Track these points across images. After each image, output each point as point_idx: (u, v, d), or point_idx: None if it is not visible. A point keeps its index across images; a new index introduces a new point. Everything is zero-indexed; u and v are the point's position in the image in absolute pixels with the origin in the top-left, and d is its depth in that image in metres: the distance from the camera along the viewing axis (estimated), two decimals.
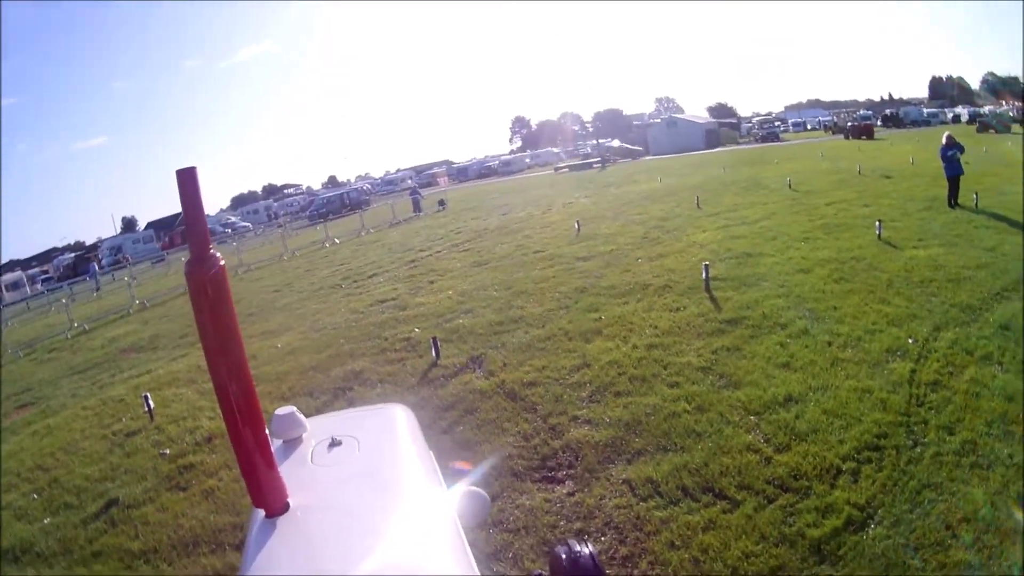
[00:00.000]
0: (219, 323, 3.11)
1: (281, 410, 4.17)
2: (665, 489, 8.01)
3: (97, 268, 66.15)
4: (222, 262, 3.12)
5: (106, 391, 17.65)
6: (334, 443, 4.04)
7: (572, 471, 8.84)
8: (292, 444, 4.15)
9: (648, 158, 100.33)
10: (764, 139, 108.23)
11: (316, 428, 4.34)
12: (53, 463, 12.96)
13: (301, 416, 4.21)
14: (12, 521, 10.78)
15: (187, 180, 3.07)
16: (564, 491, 8.43)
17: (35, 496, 11.58)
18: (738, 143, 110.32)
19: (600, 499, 8.06)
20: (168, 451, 12.17)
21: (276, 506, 3.30)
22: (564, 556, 4.80)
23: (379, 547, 3.00)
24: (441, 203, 57.15)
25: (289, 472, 3.52)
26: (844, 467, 7.99)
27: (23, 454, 13.94)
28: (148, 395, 14.53)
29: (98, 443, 13.50)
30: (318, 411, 8.93)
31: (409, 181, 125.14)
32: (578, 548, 4.83)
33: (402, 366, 14.22)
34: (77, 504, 10.86)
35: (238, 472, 10.11)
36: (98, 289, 55.29)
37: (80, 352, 25.50)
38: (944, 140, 25.30)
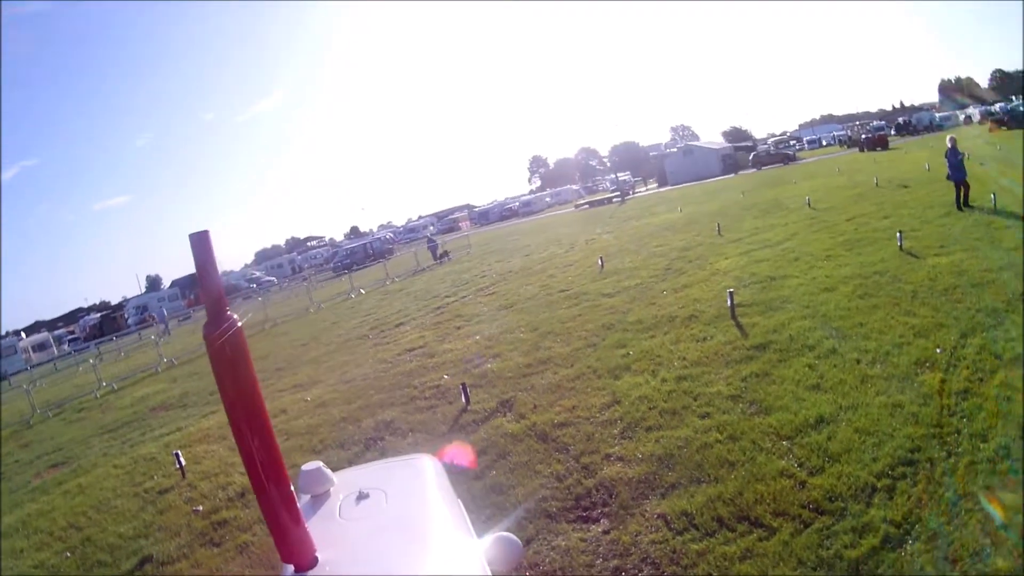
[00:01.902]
0: (239, 382, 3.11)
1: (308, 465, 4.16)
2: (700, 521, 7.98)
3: (165, 312, 67.20)
4: (239, 322, 3.10)
5: (137, 449, 17.78)
6: (361, 496, 4.02)
7: (606, 509, 8.81)
8: (320, 499, 4.13)
9: (666, 188, 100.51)
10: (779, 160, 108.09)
11: (343, 482, 4.32)
12: (86, 522, 13.04)
13: (327, 471, 4.21)
14: None
15: (200, 243, 3.07)
16: (599, 529, 8.40)
17: (68, 555, 11.69)
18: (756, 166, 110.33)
19: (636, 535, 8.04)
20: (201, 507, 12.24)
21: (305, 561, 3.28)
22: None
23: None
24: (444, 255, 55.97)
25: (317, 526, 3.53)
26: (879, 484, 7.93)
27: (55, 513, 14.04)
28: (179, 452, 14.67)
29: (130, 501, 13.59)
30: (350, 462, 8.93)
31: (430, 228, 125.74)
32: None
33: (432, 414, 14.24)
34: (111, 562, 10.96)
35: None
36: (167, 332, 56.15)
37: (109, 411, 25.70)
38: (948, 143, 25.39)
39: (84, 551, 11.63)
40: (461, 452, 11.56)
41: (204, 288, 3.08)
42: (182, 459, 14.41)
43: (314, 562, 3.29)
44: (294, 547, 3.24)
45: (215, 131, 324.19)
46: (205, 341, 3.03)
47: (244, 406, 3.13)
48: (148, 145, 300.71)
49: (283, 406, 17.69)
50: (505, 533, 4.42)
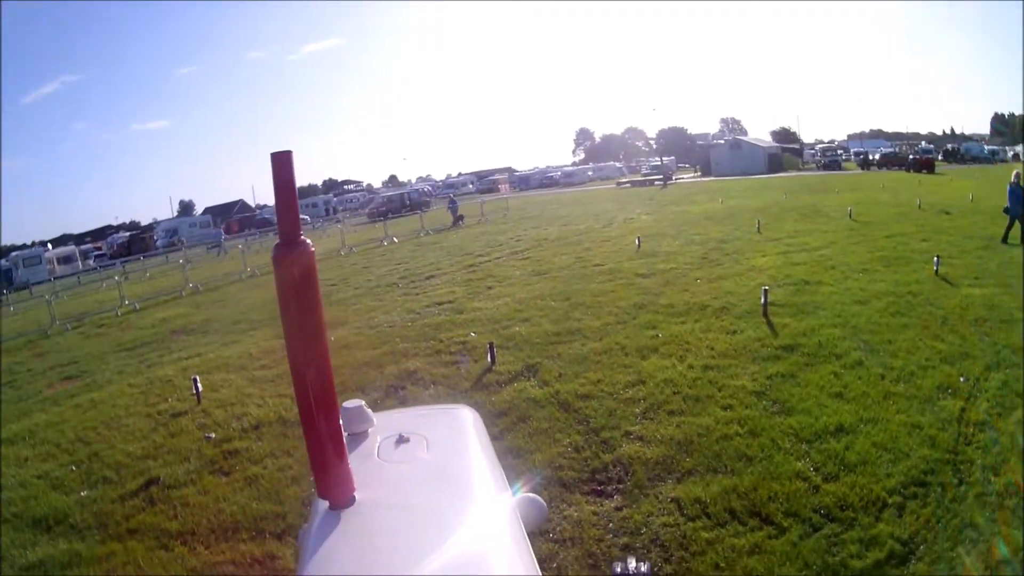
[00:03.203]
0: (303, 309, 3.15)
1: (349, 403, 4.14)
2: (713, 510, 8.10)
3: (224, 234, 67.63)
4: (312, 248, 3.16)
5: (154, 370, 18.01)
6: (401, 440, 4.03)
7: (621, 486, 8.94)
8: (358, 438, 4.14)
9: (709, 178, 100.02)
10: (826, 167, 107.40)
11: (383, 423, 4.34)
12: (94, 437, 13.24)
13: (368, 410, 4.23)
14: (47, 490, 11.01)
15: (282, 164, 3.13)
16: (612, 505, 8.53)
17: (73, 468, 11.83)
18: (800, 169, 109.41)
19: (648, 516, 8.16)
20: (213, 435, 12.38)
21: (342, 499, 3.31)
22: (620, 571, 4.88)
23: (445, 546, 2.95)
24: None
25: (355, 466, 3.47)
26: (890, 500, 8.00)
27: (64, 425, 14.23)
28: (197, 377, 14.75)
29: (142, 421, 13.78)
30: (378, 410, 9.11)
31: (470, 186, 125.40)
32: (636, 566, 4.91)
33: (456, 369, 14.42)
34: (116, 479, 11.09)
35: (283, 462, 10.39)
36: (223, 252, 57.82)
37: (129, 330, 26.01)
38: (1013, 178, 25.19)
39: (90, 466, 11.81)
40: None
41: (281, 209, 3.14)
42: (199, 384, 14.52)
43: (351, 501, 3.33)
44: (333, 484, 3.30)
45: (263, 68, 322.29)
46: (274, 262, 3.11)
47: (305, 333, 3.18)
48: (192, 74, 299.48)
49: None
50: (531, 494, 4.50)
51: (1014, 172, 26.00)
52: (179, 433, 12.79)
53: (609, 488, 8.95)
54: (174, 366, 18.10)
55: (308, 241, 3.15)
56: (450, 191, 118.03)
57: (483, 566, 2.92)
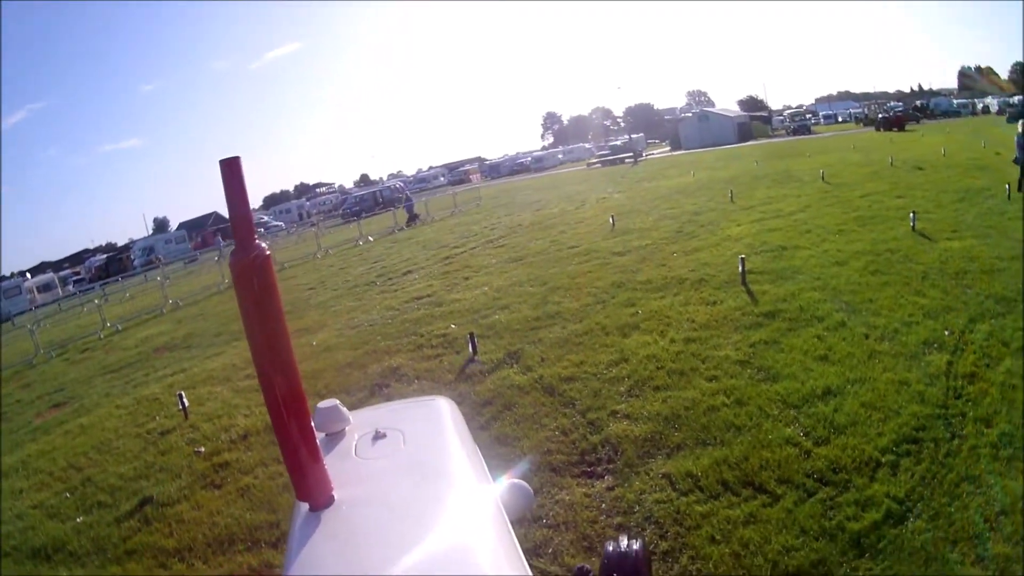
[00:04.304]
0: (264, 313, 3.13)
1: (324, 403, 4.17)
2: (705, 483, 8.03)
3: (222, 240, 67.98)
4: (267, 251, 3.14)
5: (140, 390, 17.84)
6: (378, 436, 4.02)
7: (611, 465, 8.86)
8: (335, 437, 4.15)
9: (679, 152, 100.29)
10: (796, 132, 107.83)
11: (359, 421, 4.35)
12: (86, 462, 13.10)
13: (344, 409, 4.22)
14: (44, 520, 10.87)
15: (231, 170, 3.10)
16: (603, 486, 8.45)
17: (68, 495, 11.69)
18: (770, 136, 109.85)
19: (640, 494, 8.08)
20: (203, 449, 12.29)
21: (321, 499, 3.31)
22: (612, 550, 4.82)
23: (427, 541, 2.97)
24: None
25: (333, 465, 3.50)
26: (883, 460, 7.96)
27: (55, 453, 14.07)
28: (182, 393, 14.63)
29: (132, 442, 13.64)
30: (355, 408, 9.04)
31: (442, 178, 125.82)
32: (628, 544, 4.85)
33: (439, 362, 14.32)
34: (111, 502, 10.95)
35: (274, 470, 10.33)
36: (222, 258, 56.90)
37: (113, 352, 25.78)
38: (1020, 128, 25.47)
39: (84, 491, 11.68)
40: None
41: (233, 215, 3.11)
42: (185, 400, 14.42)
43: (330, 501, 3.33)
44: (311, 486, 3.29)
45: (227, 78, 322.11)
46: (231, 268, 3.08)
47: (268, 338, 3.16)
48: (157, 90, 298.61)
49: None
50: (516, 480, 4.52)
51: (1020, 123, 26.30)
52: (169, 450, 12.69)
53: (599, 469, 8.87)
54: (159, 384, 18.00)
55: (263, 245, 3.12)
56: (424, 184, 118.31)
57: (466, 559, 2.91)
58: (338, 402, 4.21)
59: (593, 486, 8.51)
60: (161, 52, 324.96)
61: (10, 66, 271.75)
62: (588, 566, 4.68)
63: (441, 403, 4.79)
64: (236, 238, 3.10)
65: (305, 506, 3.33)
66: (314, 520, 3.23)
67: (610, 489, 8.36)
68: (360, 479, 3.59)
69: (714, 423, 9.40)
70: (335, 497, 3.34)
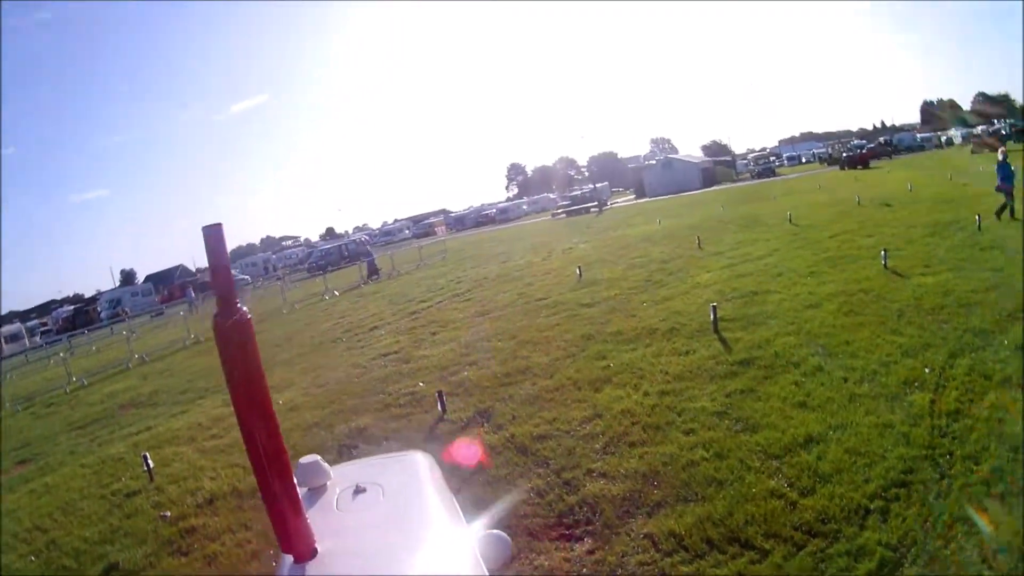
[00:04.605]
0: (246, 372, 3.22)
1: (305, 459, 4.30)
2: (689, 542, 7.72)
3: (193, 293, 68.23)
4: (249, 314, 3.24)
5: (105, 448, 17.55)
6: (358, 490, 4.12)
7: (590, 527, 8.55)
8: (317, 492, 4.23)
9: (644, 199, 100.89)
10: (760, 175, 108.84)
11: (340, 476, 4.45)
12: (51, 524, 12.80)
13: (325, 464, 4.36)
14: None
15: (213, 236, 3.19)
16: (583, 549, 8.15)
17: (32, 558, 11.43)
18: (734, 180, 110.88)
19: (622, 556, 7.79)
20: (169, 513, 11.95)
21: (304, 552, 3.37)
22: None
23: None
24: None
25: (315, 519, 3.56)
26: (872, 506, 7.73)
27: (20, 513, 13.81)
28: (147, 455, 14.32)
29: (97, 503, 13.34)
30: (334, 463, 8.70)
31: (407, 231, 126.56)
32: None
33: (407, 421, 14.01)
34: (76, 568, 10.73)
35: (241, 536, 10.02)
36: (194, 310, 58.74)
37: (79, 407, 25.43)
38: (1000, 156, 26.04)
39: (49, 555, 11.39)
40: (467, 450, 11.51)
41: (216, 279, 3.26)
42: (150, 461, 14.10)
43: (313, 553, 3.41)
44: (294, 538, 3.35)
45: (193, 130, 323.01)
46: (214, 330, 3.21)
47: (250, 395, 3.26)
48: (128, 140, 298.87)
49: None
50: (495, 531, 4.73)
51: (999, 150, 26.84)
52: (134, 514, 12.35)
53: (578, 531, 8.56)
54: (124, 442, 17.68)
55: (244, 309, 3.25)
56: (390, 238, 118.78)
57: None
58: (319, 457, 4.36)
59: (572, 549, 8.20)
60: (129, 103, 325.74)
61: None
62: None
63: (418, 457, 4.97)
64: (219, 301, 3.21)
65: (289, 558, 3.42)
66: (298, 572, 3.33)
67: (590, 552, 8.05)
68: (342, 532, 3.69)
69: (694, 478, 9.10)
70: (318, 549, 3.43)
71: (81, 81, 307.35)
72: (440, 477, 4.68)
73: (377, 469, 4.88)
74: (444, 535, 3.66)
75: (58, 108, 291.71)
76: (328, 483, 4.32)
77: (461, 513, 4.21)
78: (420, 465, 4.72)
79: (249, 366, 3.23)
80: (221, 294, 3.22)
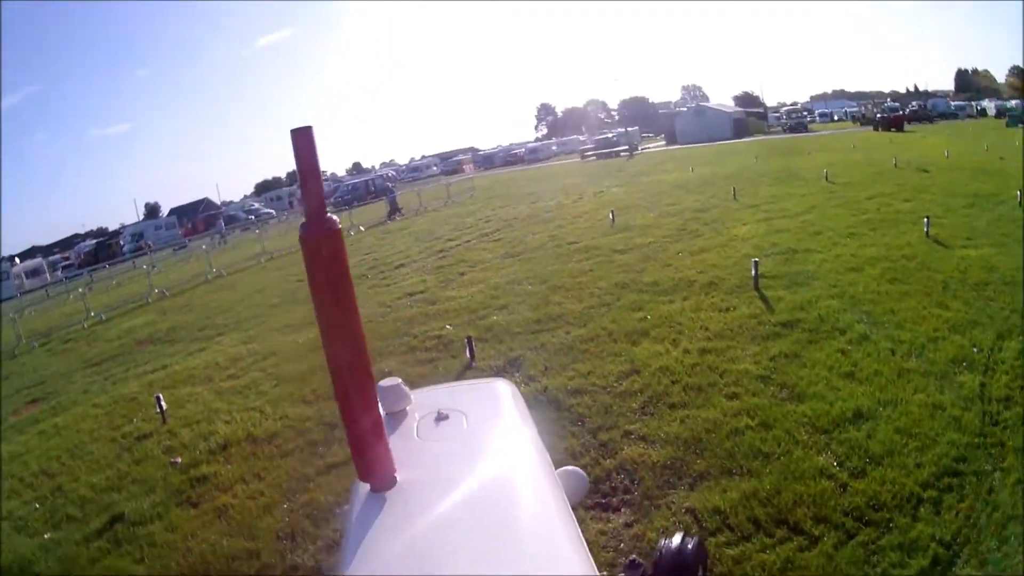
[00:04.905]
0: (334, 286, 3.12)
1: (385, 381, 4.13)
2: (735, 521, 7.36)
3: (224, 225, 68.36)
4: (338, 224, 3.11)
5: (119, 387, 17.36)
6: (440, 417, 4.00)
7: (628, 496, 8.21)
8: (396, 417, 4.10)
9: (675, 146, 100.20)
10: (792, 129, 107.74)
11: (420, 401, 4.29)
12: (58, 468, 12.59)
13: (406, 388, 4.20)
14: (12, 534, 10.37)
15: (303, 139, 3.02)
16: (621, 521, 7.78)
17: (37, 505, 11.17)
18: (766, 133, 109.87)
19: (662, 532, 7.34)
20: (180, 459, 11.68)
21: (383, 481, 3.28)
22: (667, 547, 4.55)
23: (489, 524, 2.97)
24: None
25: (395, 446, 3.44)
26: (925, 496, 7.34)
27: (28, 456, 13.62)
28: (160, 396, 14.12)
29: (106, 447, 13.12)
30: (336, 418, 8.39)
31: (434, 168, 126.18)
32: (684, 541, 4.57)
33: (434, 367, 13.73)
34: (80, 517, 10.40)
35: (254, 488, 9.62)
36: (224, 242, 60.89)
37: (96, 343, 25.35)
38: None
39: (54, 502, 11.14)
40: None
41: (304, 186, 3.09)
42: (163, 403, 13.89)
43: (392, 483, 3.31)
44: (374, 467, 3.27)
45: (218, 65, 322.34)
46: (301, 242, 3.08)
47: (337, 313, 3.15)
48: (150, 75, 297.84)
49: (273, 348, 17.26)
50: (572, 467, 4.80)
51: None
52: (144, 459, 12.09)
53: (615, 500, 8.20)
54: (139, 381, 17.51)
55: (335, 218, 3.11)
56: (417, 174, 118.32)
57: (529, 542, 2.92)
58: (400, 380, 4.20)
59: (609, 521, 7.82)
60: (153, 38, 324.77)
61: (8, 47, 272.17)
62: (640, 560, 4.31)
63: (502, 385, 4.78)
64: (307, 210, 3.09)
65: (366, 487, 3.33)
66: (376, 502, 3.23)
67: (628, 525, 7.68)
68: (422, 461, 3.60)
69: (739, 449, 8.74)
70: (397, 479, 3.34)
71: (108, 15, 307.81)
72: (524, 407, 4.40)
73: (459, 396, 4.67)
74: (528, 467, 3.47)
75: (80, 41, 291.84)
76: (408, 408, 4.18)
77: (544, 446, 3.89)
78: (504, 394, 4.50)
79: (338, 280, 3.11)
80: (311, 202, 3.06)
